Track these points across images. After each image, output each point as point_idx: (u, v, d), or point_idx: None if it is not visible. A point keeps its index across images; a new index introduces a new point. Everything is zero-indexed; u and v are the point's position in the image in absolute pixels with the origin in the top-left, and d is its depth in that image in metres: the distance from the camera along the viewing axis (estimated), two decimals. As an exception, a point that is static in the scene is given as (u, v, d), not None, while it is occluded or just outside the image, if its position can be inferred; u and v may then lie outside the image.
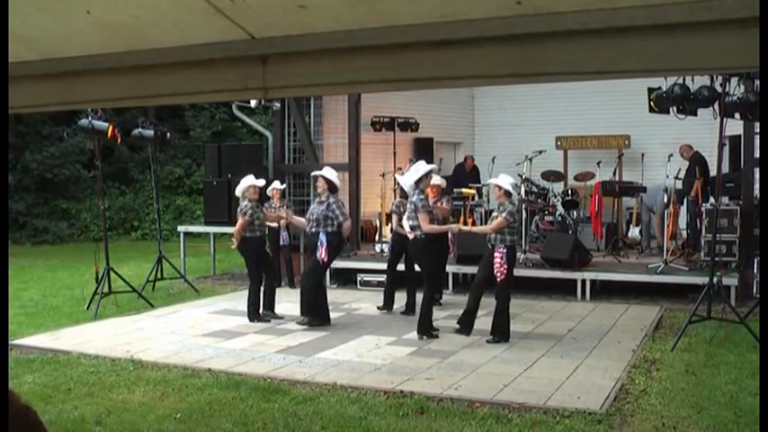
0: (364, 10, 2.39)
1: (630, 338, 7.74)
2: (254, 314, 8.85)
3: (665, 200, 10.55)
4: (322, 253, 8.41)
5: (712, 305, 7.66)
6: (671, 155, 10.89)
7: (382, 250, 11.94)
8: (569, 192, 12.62)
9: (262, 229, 8.89)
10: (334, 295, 10.16)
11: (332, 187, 8.57)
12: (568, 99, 14.01)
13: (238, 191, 8.85)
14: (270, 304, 9.06)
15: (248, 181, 8.80)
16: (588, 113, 14.23)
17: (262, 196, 9.53)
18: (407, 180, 8.00)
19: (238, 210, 8.82)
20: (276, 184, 11.02)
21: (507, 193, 7.64)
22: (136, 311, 9.63)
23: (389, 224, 9.39)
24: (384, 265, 10.07)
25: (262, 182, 9.00)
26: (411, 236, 8.03)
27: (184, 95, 3.06)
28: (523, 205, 11.71)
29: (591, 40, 2.24)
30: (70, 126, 15.71)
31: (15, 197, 19.09)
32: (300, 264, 11.95)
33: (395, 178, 9.65)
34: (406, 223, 8.20)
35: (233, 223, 13.17)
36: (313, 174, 8.99)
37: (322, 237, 8.40)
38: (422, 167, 8.02)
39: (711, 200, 10.01)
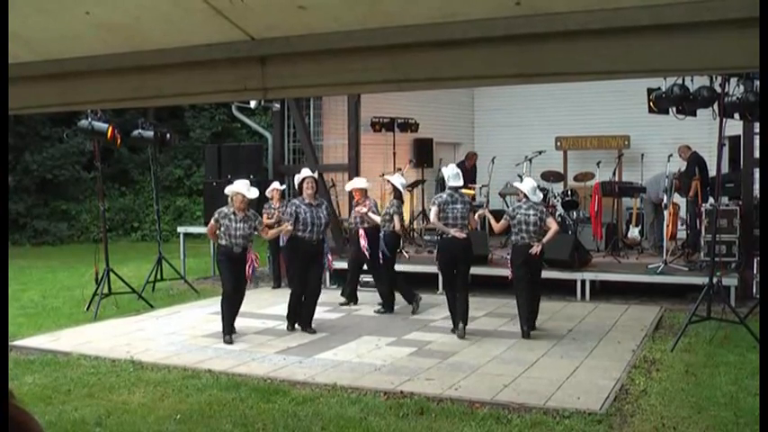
0: (364, 10, 2.39)
1: (630, 339, 7.74)
2: (225, 330, 7.94)
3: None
4: (330, 262, 8.74)
5: (712, 305, 7.66)
6: (670, 155, 10.89)
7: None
8: (569, 192, 12.61)
9: (227, 239, 7.85)
10: (334, 296, 10.16)
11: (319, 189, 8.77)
12: (568, 99, 14.00)
13: (227, 190, 7.99)
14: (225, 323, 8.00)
15: (238, 187, 7.86)
16: (588, 114, 14.23)
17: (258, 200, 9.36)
18: (400, 180, 8.52)
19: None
20: (276, 185, 11.01)
21: (525, 195, 8.00)
22: (136, 312, 9.63)
23: (385, 225, 9.33)
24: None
25: (254, 193, 8.05)
26: (462, 235, 7.93)
27: (184, 96, 3.07)
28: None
29: (591, 41, 2.24)
30: (70, 127, 15.68)
31: (15, 198, 19.08)
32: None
33: (388, 180, 9.61)
34: (438, 220, 8.02)
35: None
36: (308, 175, 8.46)
37: (325, 245, 8.53)
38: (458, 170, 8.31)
39: (711, 200, 10.01)
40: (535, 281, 8.15)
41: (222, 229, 7.86)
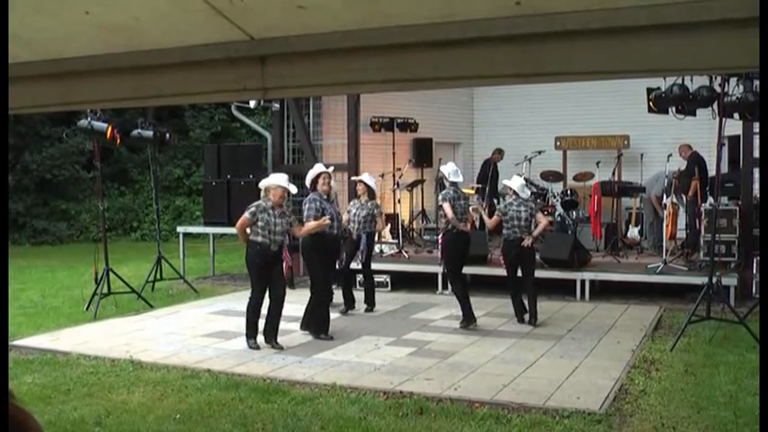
0: (363, 10, 2.39)
1: (630, 338, 7.74)
2: (250, 334, 7.62)
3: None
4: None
5: (711, 305, 7.66)
6: (670, 155, 10.90)
7: (381, 251, 11.95)
8: (569, 192, 12.62)
9: (266, 236, 7.32)
10: (334, 295, 10.14)
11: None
12: (568, 99, 14.00)
13: (262, 184, 7.57)
14: (269, 330, 7.65)
15: (278, 180, 7.49)
16: (587, 113, 14.23)
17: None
18: (372, 180, 8.98)
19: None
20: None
21: (515, 193, 8.51)
22: (135, 312, 9.63)
23: (367, 226, 9.18)
24: (383, 266, 10.11)
25: (293, 188, 7.78)
26: (467, 228, 8.52)
27: (184, 96, 3.07)
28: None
29: (591, 40, 2.24)
30: (69, 127, 15.68)
31: (15, 198, 19.08)
32: (300, 264, 11.89)
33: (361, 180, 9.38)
34: (451, 214, 8.30)
35: (232, 224, 13.29)
36: (323, 171, 8.22)
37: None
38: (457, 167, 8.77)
39: (710, 200, 10.01)
40: (529, 274, 8.57)
41: (260, 224, 7.29)
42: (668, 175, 10.70)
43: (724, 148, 8.98)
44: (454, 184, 8.44)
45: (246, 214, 7.31)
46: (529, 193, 8.99)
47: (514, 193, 8.48)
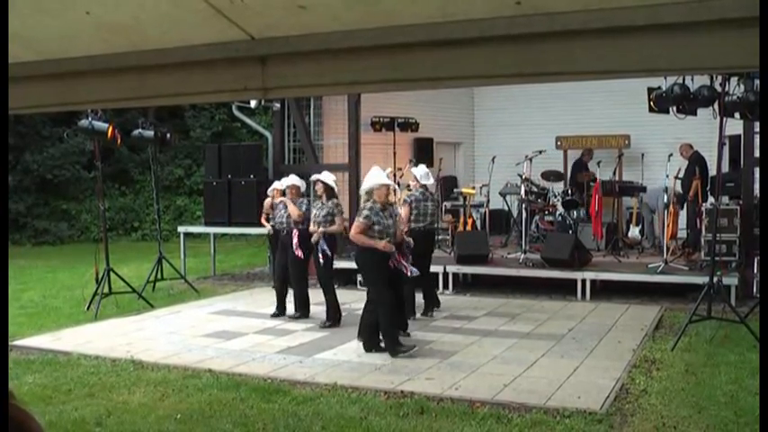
0: (364, 10, 2.39)
1: (630, 338, 7.74)
2: (396, 340, 7.17)
3: (666, 200, 10.53)
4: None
5: (712, 305, 7.65)
6: (671, 154, 10.88)
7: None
8: (569, 191, 12.62)
9: (382, 239, 6.99)
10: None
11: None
12: (568, 99, 13.99)
13: (365, 187, 7.24)
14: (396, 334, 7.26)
15: (381, 178, 7.14)
16: (588, 113, 14.23)
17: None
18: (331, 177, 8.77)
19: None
20: (276, 185, 11.01)
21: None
22: (136, 312, 9.63)
23: (326, 226, 8.58)
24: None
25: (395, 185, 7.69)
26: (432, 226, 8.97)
27: (184, 96, 3.07)
28: (524, 205, 11.75)
29: (591, 40, 2.25)
30: (70, 127, 15.67)
31: (15, 198, 19.08)
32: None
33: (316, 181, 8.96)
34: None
35: (233, 224, 13.34)
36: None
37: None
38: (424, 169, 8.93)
39: (711, 199, 10.00)
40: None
41: (378, 228, 6.97)
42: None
43: (725, 147, 8.97)
44: (423, 186, 8.76)
45: (362, 220, 6.94)
46: (432, 181, 9.29)
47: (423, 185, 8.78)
